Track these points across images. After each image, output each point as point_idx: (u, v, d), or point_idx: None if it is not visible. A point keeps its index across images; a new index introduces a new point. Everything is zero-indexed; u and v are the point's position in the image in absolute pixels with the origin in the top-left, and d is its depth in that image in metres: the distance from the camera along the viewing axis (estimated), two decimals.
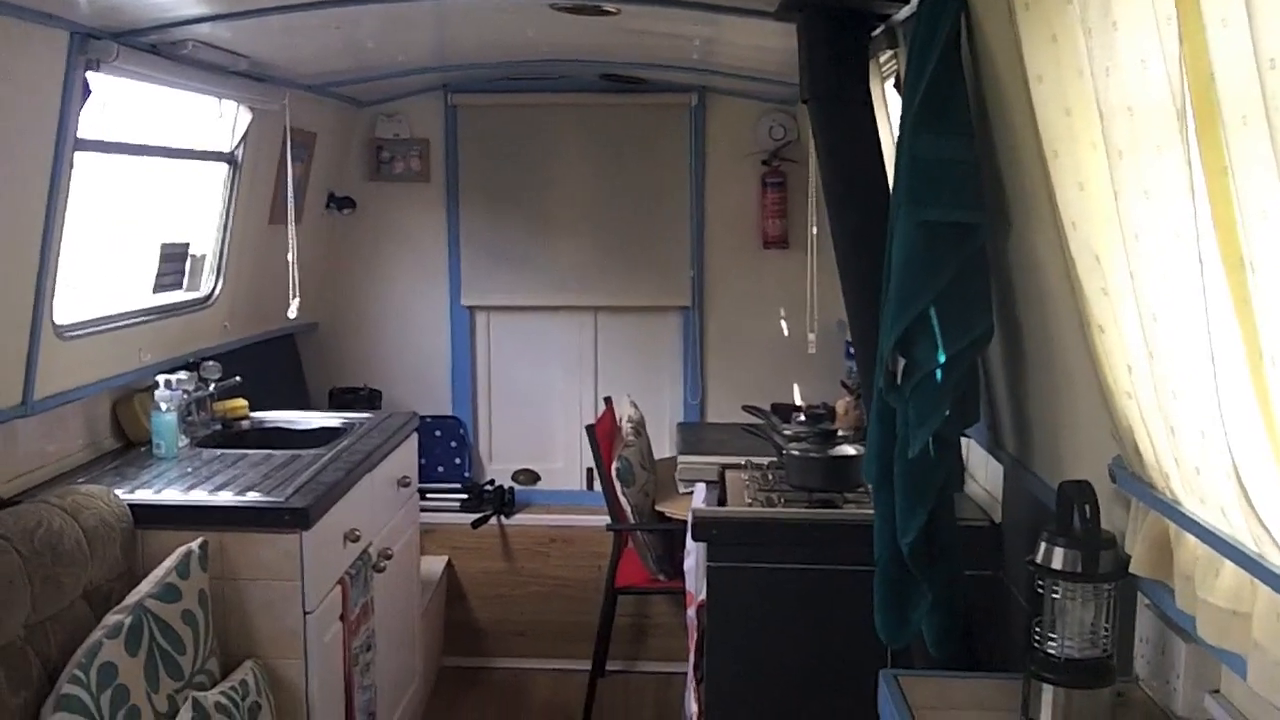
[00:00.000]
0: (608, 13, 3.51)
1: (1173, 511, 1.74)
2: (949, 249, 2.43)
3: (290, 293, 4.40)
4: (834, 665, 3.22)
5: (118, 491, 3.26)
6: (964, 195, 2.40)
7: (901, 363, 2.60)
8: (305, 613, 3.22)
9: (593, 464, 4.88)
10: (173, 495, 3.33)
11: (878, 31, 3.08)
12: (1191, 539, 1.69)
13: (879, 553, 2.75)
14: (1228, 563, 1.57)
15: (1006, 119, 2.28)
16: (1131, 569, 1.93)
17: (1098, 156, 1.65)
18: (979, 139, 2.44)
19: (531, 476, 5.70)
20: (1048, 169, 1.87)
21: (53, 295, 3.19)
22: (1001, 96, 2.28)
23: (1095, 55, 1.57)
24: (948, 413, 2.54)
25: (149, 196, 4.16)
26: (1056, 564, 2.00)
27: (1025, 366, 2.60)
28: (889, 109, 3.40)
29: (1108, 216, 1.65)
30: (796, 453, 3.53)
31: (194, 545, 3.07)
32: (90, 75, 3.10)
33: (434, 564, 5.27)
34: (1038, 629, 2.04)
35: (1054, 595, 2.01)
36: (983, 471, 3.41)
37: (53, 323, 3.21)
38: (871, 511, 2.91)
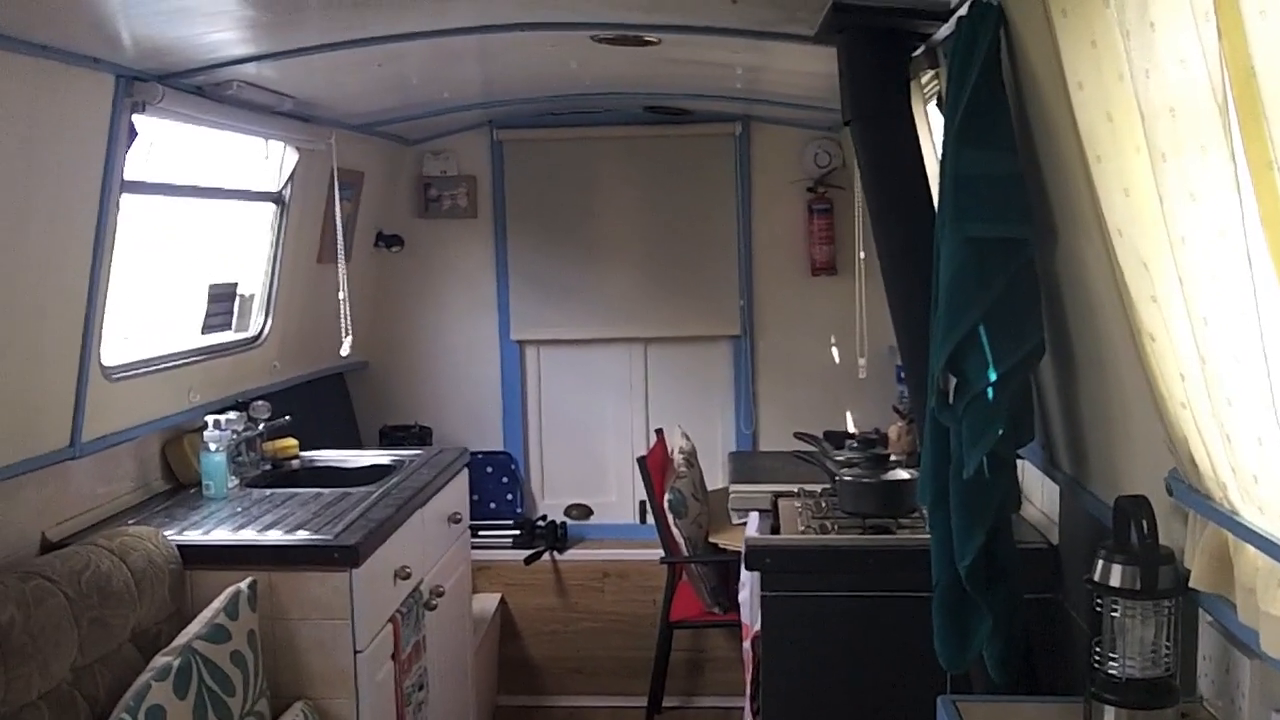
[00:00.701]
0: (649, 43, 3.51)
1: (1231, 522, 1.68)
2: (997, 264, 2.39)
3: (343, 331, 4.41)
4: (892, 694, 3.15)
5: (167, 532, 3.27)
6: (1010, 209, 2.36)
7: (953, 381, 2.55)
8: (356, 652, 3.20)
9: (645, 497, 4.84)
10: (221, 535, 3.33)
11: (918, 52, 3.05)
12: (1251, 550, 1.63)
13: (937, 576, 2.69)
14: None
15: (1050, 130, 2.23)
16: (1191, 583, 1.86)
17: (1141, 161, 1.60)
18: (1023, 152, 2.39)
19: (584, 511, 5.67)
20: (1091, 177, 1.82)
21: (100, 337, 3.21)
22: (1043, 108, 2.23)
23: (1134, 58, 1.53)
24: (1001, 431, 2.48)
25: (197, 237, 4.19)
26: (1115, 581, 1.94)
27: (1078, 381, 2.54)
28: (932, 129, 3.36)
29: (1154, 221, 1.60)
30: (849, 478, 3.48)
31: (243, 585, 3.07)
32: (136, 117, 3.13)
33: (487, 601, 5.25)
34: (1098, 649, 1.98)
35: (1113, 614, 1.96)
36: (1039, 493, 3.34)
37: (100, 364, 3.24)
38: (927, 536, 2.86)
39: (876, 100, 2.87)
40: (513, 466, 5.64)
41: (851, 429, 5.31)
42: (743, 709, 3.97)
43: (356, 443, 5.44)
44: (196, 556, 3.20)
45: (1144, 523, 1.93)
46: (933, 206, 2.85)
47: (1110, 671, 1.95)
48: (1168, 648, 1.94)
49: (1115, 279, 1.84)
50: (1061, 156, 2.17)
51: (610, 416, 5.68)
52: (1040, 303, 2.48)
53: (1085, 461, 2.59)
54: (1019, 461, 3.15)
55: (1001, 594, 2.63)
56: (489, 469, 5.61)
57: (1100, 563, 1.95)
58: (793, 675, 3.21)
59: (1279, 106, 1.20)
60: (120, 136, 3.07)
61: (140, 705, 2.62)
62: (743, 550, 3.37)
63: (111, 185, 3.08)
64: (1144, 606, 1.93)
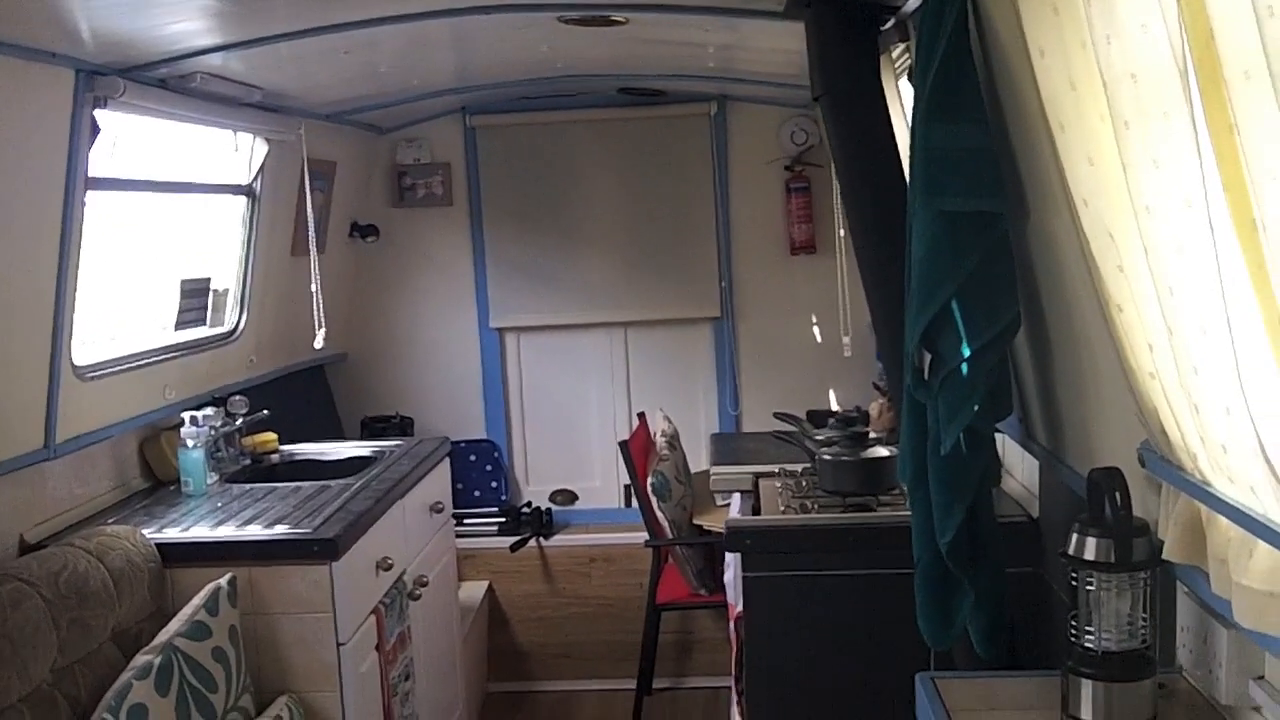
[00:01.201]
0: (617, 22, 3.48)
1: (1202, 493, 1.67)
2: (970, 239, 2.37)
3: (316, 324, 4.38)
4: (877, 671, 3.14)
5: (146, 531, 3.25)
6: (981, 183, 2.34)
7: (928, 358, 2.53)
8: (339, 644, 3.19)
9: (629, 480, 4.83)
10: (200, 532, 3.31)
11: (888, 26, 3.03)
12: (1223, 521, 1.62)
13: (918, 554, 2.68)
14: (1261, 543, 1.50)
15: (1017, 101, 2.22)
16: (1165, 555, 1.85)
17: (1105, 129, 1.58)
18: (993, 124, 2.37)
19: (569, 496, 5.66)
20: (1056, 146, 1.80)
21: (70, 336, 3.17)
22: (1011, 78, 2.21)
23: (1095, 23, 1.51)
24: (978, 406, 2.47)
25: (167, 233, 4.15)
26: (1089, 555, 1.93)
27: (1052, 355, 2.53)
28: (904, 104, 3.34)
29: (1118, 190, 1.58)
30: (828, 457, 3.47)
31: (223, 581, 3.05)
32: (98, 113, 3.09)
33: (475, 589, 5.24)
34: (1074, 623, 1.97)
35: (1088, 587, 1.94)
36: (1019, 466, 3.34)
37: (72, 364, 3.21)
38: (908, 513, 2.85)
39: (845, 75, 2.84)
40: (496, 454, 5.62)
41: (835, 407, 5.30)
42: (731, 689, 3.97)
43: (338, 435, 5.41)
44: (176, 554, 3.18)
45: (1117, 495, 1.91)
46: (904, 183, 2.82)
47: (1087, 645, 1.94)
48: (1144, 620, 1.93)
49: (1083, 250, 1.83)
50: (1029, 128, 2.15)
51: (593, 401, 5.66)
52: (1015, 277, 2.46)
53: (1061, 434, 2.58)
54: (999, 435, 3.15)
55: (984, 569, 2.62)
56: (472, 457, 5.59)
57: (1074, 536, 1.94)
58: (776, 655, 3.20)
59: (1239, 70, 1.18)
60: (82, 133, 3.03)
61: (122, 704, 2.60)
62: (724, 532, 3.36)
63: (76, 183, 3.04)
64: (1119, 579, 1.91)
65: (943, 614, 2.65)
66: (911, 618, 2.72)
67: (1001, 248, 2.43)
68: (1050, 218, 2.22)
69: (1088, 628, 1.94)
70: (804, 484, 3.63)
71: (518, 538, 5.36)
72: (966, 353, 2.42)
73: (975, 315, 2.41)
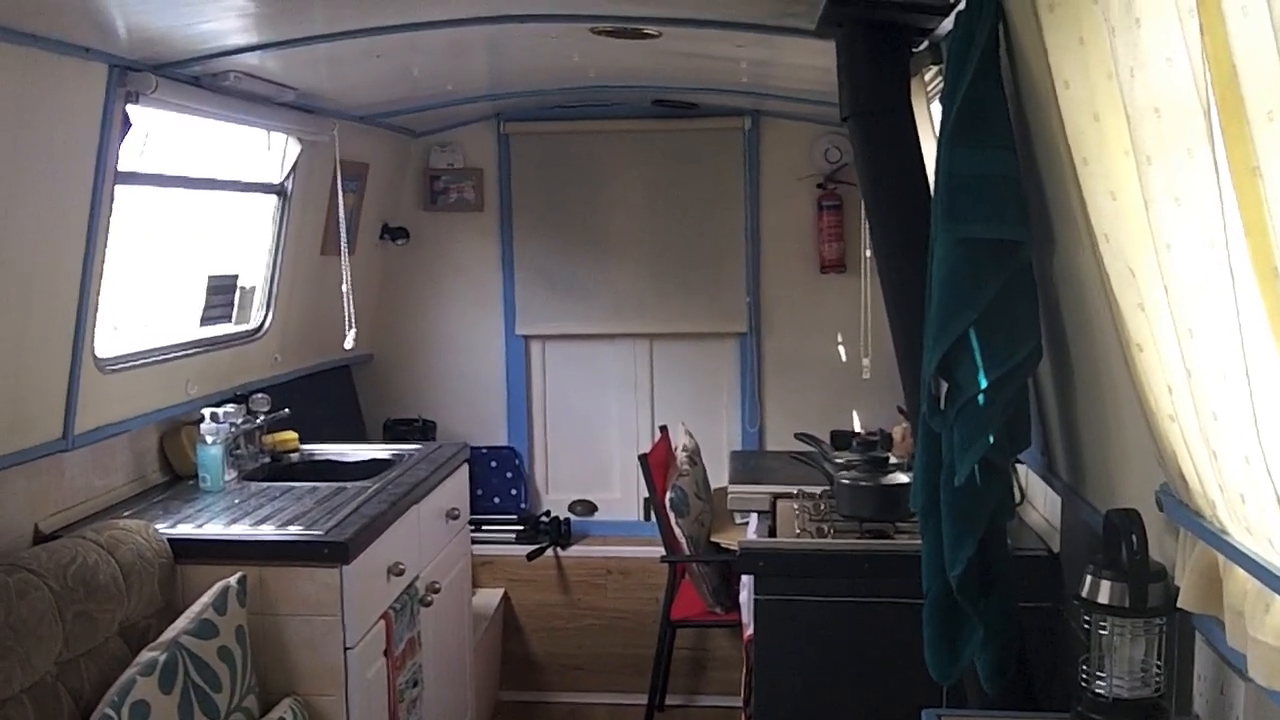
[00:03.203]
0: (649, 35, 3.46)
1: (1220, 542, 1.62)
2: (991, 267, 2.33)
3: (346, 324, 4.37)
4: (886, 702, 3.10)
5: (160, 525, 3.25)
6: (1005, 211, 2.30)
7: (945, 386, 2.50)
8: (346, 648, 3.18)
9: (649, 494, 4.81)
10: (214, 529, 3.31)
11: (921, 48, 3.00)
12: (1240, 572, 1.57)
13: (928, 585, 2.64)
14: (1278, 598, 1.46)
15: (1045, 130, 2.18)
16: (1180, 603, 1.81)
17: (1128, 163, 1.55)
18: (1021, 153, 2.34)
19: (588, 507, 5.63)
20: (1079, 179, 1.77)
21: (94, 328, 3.18)
22: (1039, 107, 2.18)
23: (1120, 55, 1.48)
24: (994, 438, 2.43)
25: (198, 229, 4.16)
26: (1103, 598, 1.89)
27: (1074, 389, 2.48)
28: (934, 127, 3.31)
29: (1140, 226, 1.55)
30: (847, 481, 3.43)
31: (232, 580, 3.04)
32: (130, 108, 3.10)
33: (490, 597, 5.23)
34: (1085, 667, 1.93)
35: (1101, 631, 1.90)
36: (1041, 498, 3.29)
37: (94, 356, 3.21)
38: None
39: (875, 96, 2.81)
40: (517, 462, 5.61)
41: (858, 429, 5.26)
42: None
43: (361, 436, 5.41)
44: (187, 551, 3.18)
45: (1134, 538, 1.87)
46: (930, 206, 2.79)
47: (1098, 690, 1.90)
48: (1158, 667, 1.89)
49: (1104, 285, 1.79)
50: (1055, 158, 2.11)
51: (615, 413, 5.64)
52: (1037, 307, 2.43)
53: (1082, 470, 2.54)
54: (1020, 466, 3.11)
55: (994, 604, 2.58)
56: (493, 464, 5.58)
57: (1089, 578, 1.90)
58: (785, 679, 3.17)
59: (1262, 110, 1.15)
60: (113, 127, 3.03)
61: (125, 700, 2.60)
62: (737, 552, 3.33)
63: (105, 176, 3.05)
64: (1133, 624, 1.87)
65: (949, 647, 2.60)
66: (923, 649, 2.67)
67: (1024, 277, 2.39)
68: (1074, 250, 2.18)
69: (1099, 673, 1.90)
70: (822, 507, 3.59)
71: (535, 546, 5.34)
72: (984, 383, 2.38)
73: (994, 345, 2.37)
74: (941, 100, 2.62)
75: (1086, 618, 1.92)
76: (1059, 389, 2.61)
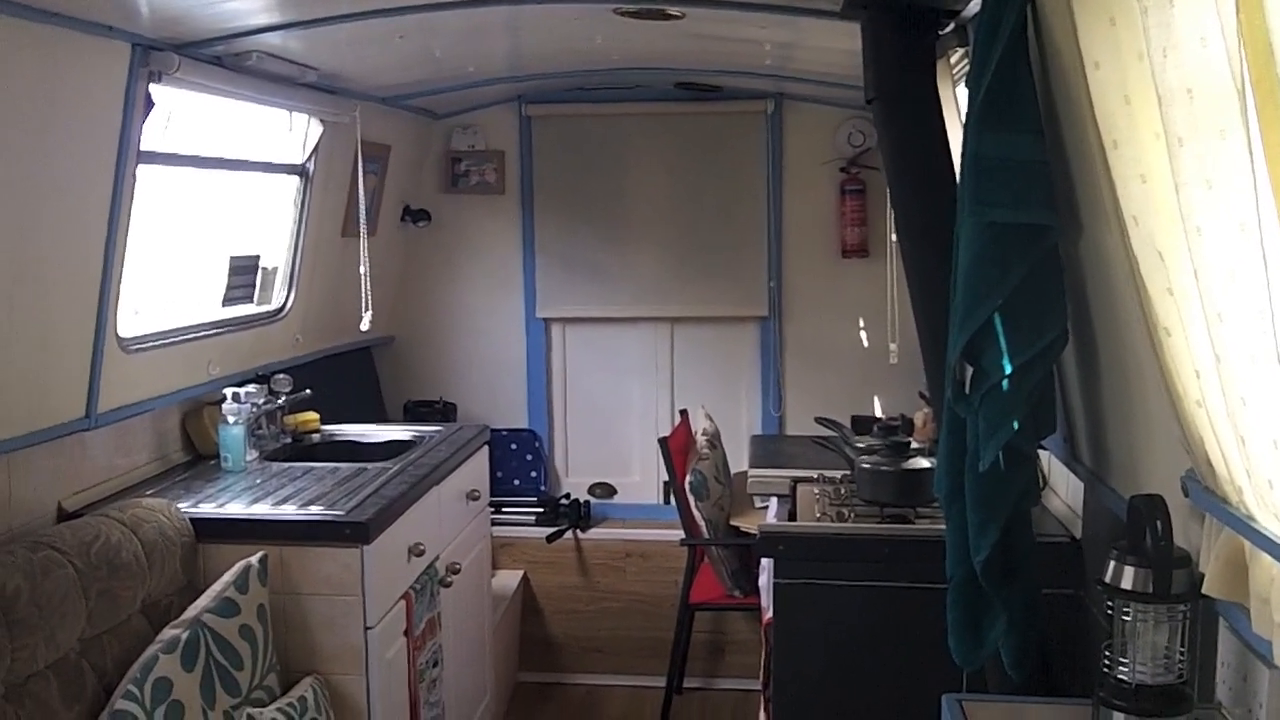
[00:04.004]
0: (673, 16, 3.45)
1: (1246, 529, 1.61)
2: (1017, 252, 2.32)
3: (363, 306, 4.38)
4: (906, 687, 3.09)
5: (182, 505, 3.26)
6: (1031, 195, 2.28)
7: (969, 371, 2.48)
8: (366, 628, 3.19)
9: (668, 478, 4.81)
10: (235, 509, 3.32)
11: (947, 30, 2.98)
12: (1266, 558, 1.56)
13: (951, 571, 2.63)
14: None
15: (1073, 113, 2.16)
16: (1205, 589, 1.80)
17: (1159, 146, 1.53)
18: (1048, 136, 2.32)
19: (608, 490, 5.64)
20: (1108, 162, 1.75)
21: (116, 308, 3.19)
22: (1067, 90, 2.16)
23: (1152, 36, 1.46)
24: (1019, 424, 2.42)
25: (219, 210, 4.17)
26: (1126, 584, 1.88)
27: (1099, 374, 2.47)
28: (960, 110, 3.29)
29: (1170, 210, 1.53)
30: (868, 466, 3.42)
31: (254, 559, 3.05)
32: (153, 87, 3.10)
33: (509, 578, 5.24)
34: (1108, 653, 1.92)
35: (1124, 617, 1.89)
36: (1063, 485, 3.27)
37: (117, 335, 3.22)
38: (944, 527, 2.79)
39: (899, 78, 2.79)
40: (537, 444, 5.61)
41: (879, 414, 5.24)
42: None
43: (381, 417, 5.42)
44: (209, 530, 3.19)
45: (1158, 524, 1.86)
46: (955, 190, 2.78)
47: (1120, 676, 1.89)
48: (1181, 653, 1.88)
49: (1132, 270, 1.77)
50: (1083, 141, 2.10)
51: (635, 396, 5.63)
52: (1063, 293, 2.41)
53: (1106, 456, 2.53)
54: (1043, 452, 3.09)
55: (1018, 590, 2.57)
56: (513, 446, 5.59)
57: (1112, 564, 1.89)
58: (804, 663, 3.16)
59: None
60: (136, 107, 3.04)
61: (147, 677, 2.62)
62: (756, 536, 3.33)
63: (127, 156, 3.05)
64: (1156, 611, 1.86)
65: (974, 633, 2.60)
66: (944, 634, 2.67)
67: (1050, 262, 2.38)
68: (1102, 234, 2.17)
69: (1121, 659, 1.89)
70: (842, 491, 3.58)
71: (555, 529, 5.35)
72: (1008, 368, 2.37)
73: (1019, 330, 2.36)
74: (967, 83, 2.60)
75: (1109, 603, 1.91)
76: (1083, 375, 2.59)
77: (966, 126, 2.36)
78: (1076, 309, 2.48)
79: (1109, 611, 1.91)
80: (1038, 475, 2.65)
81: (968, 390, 2.47)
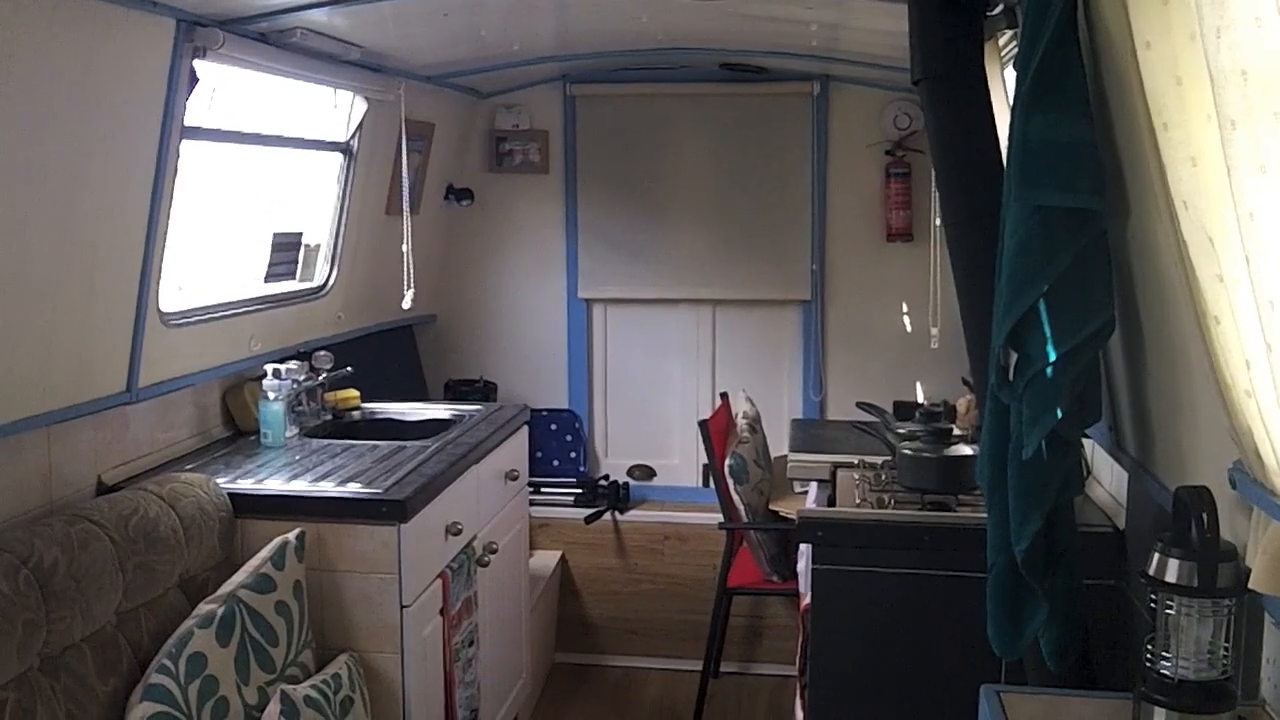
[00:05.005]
0: None
1: None
2: (1064, 236, 2.27)
3: (405, 284, 4.38)
4: (944, 676, 3.06)
5: (221, 480, 3.28)
6: (1080, 178, 2.24)
7: (1014, 358, 2.44)
8: (402, 606, 3.19)
9: (708, 460, 4.78)
10: (274, 485, 3.33)
11: (995, 11, 2.93)
12: None
13: (992, 560, 2.59)
14: None
15: (1123, 96, 2.11)
16: (1251, 584, 1.76)
17: (1211, 129, 1.49)
18: (1097, 119, 2.27)
19: (647, 472, 5.62)
20: (1158, 145, 1.71)
21: (158, 283, 3.21)
22: (1117, 71, 2.11)
23: (1205, 15, 1.42)
24: (1063, 412, 2.37)
25: (263, 186, 4.18)
26: (1170, 577, 1.84)
27: (1145, 362, 2.42)
28: (1007, 93, 3.24)
29: (1221, 194, 1.49)
30: (909, 452, 3.38)
31: (290, 536, 3.06)
32: (197, 63, 3.10)
33: (548, 559, 5.24)
34: (1150, 647, 1.88)
35: (1168, 610, 1.85)
36: (1107, 474, 3.22)
37: (159, 310, 3.24)
38: (985, 515, 2.74)
39: (947, 60, 2.74)
40: (577, 425, 5.60)
41: (921, 399, 5.20)
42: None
43: (422, 395, 5.44)
44: (247, 505, 3.20)
45: (1204, 516, 1.82)
46: (1002, 173, 2.73)
47: (1163, 671, 1.85)
48: (1226, 649, 1.84)
49: (1181, 255, 1.73)
50: (1132, 123, 2.05)
51: (676, 378, 5.61)
52: (1110, 279, 2.36)
53: (1151, 445, 2.48)
54: (1086, 441, 3.04)
55: (1059, 580, 2.53)
56: (553, 426, 5.58)
57: (1156, 556, 1.85)
58: (842, 651, 3.13)
59: None
60: (180, 82, 3.04)
61: (182, 651, 2.63)
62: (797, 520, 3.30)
63: (171, 131, 3.06)
64: (1201, 605, 1.82)
65: (1013, 624, 2.56)
66: (984, 623, 2.63)
67: (1098, 247, 2.33)
68: (1151, 219, 2.12)
69: (1164, 653, 1.85)
70: (883, 477, 3.54)
71: (593, 510, 5.34)
72: (1053, 355, 2.32)
73: (1065, 316, 2.32)
74: (1016, 65, 2.55)
75: (1153, 596, 1.87)
76: (1129, 363, 2.55)
77: (1015, 108, 2.32)
78: (1123, 295, 2.43)
79: (1152, 604, 1.87)
80: (1081, 464, 2.60)
81: (1011, 377, 2.43)
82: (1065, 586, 2.55)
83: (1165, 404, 2.35)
